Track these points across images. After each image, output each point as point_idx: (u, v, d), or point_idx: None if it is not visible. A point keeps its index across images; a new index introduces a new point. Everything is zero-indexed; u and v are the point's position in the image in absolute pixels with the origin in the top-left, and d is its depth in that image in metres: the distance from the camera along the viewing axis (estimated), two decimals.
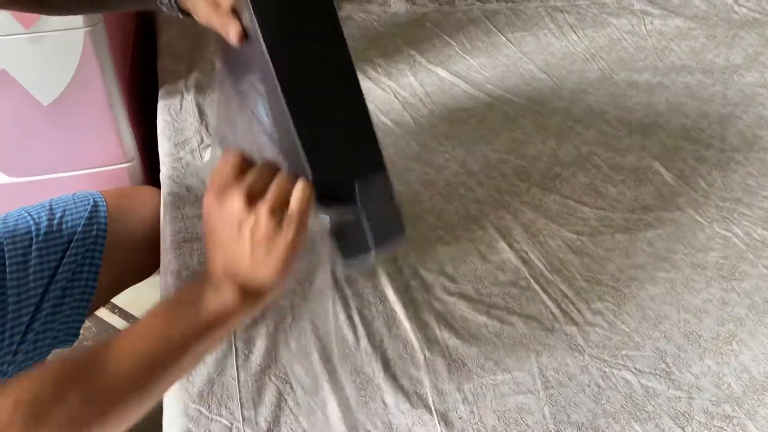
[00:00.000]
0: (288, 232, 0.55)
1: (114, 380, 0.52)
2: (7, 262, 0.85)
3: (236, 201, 0.55)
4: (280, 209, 0.55)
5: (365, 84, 1.19)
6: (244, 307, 0.57)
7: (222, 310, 0.56)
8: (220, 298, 0.56)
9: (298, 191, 0.56)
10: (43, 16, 0.89)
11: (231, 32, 0.64)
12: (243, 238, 0.55)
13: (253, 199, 0.55)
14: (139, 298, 1.36)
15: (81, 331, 0.92)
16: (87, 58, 0.96)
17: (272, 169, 0.58)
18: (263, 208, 0.55)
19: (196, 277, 0.58)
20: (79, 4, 0.79)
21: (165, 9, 0.74)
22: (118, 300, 1.08)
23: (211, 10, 0.66)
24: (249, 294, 0.57)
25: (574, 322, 0.84)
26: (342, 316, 0.81)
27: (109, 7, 0.83)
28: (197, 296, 0.56)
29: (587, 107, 1.21)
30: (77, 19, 0.94)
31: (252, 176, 0.56)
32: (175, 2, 0.72)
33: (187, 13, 0.72)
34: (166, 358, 0.54)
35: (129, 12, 1.28)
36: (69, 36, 0.94)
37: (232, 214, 0.55)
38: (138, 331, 0.55)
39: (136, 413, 0.55)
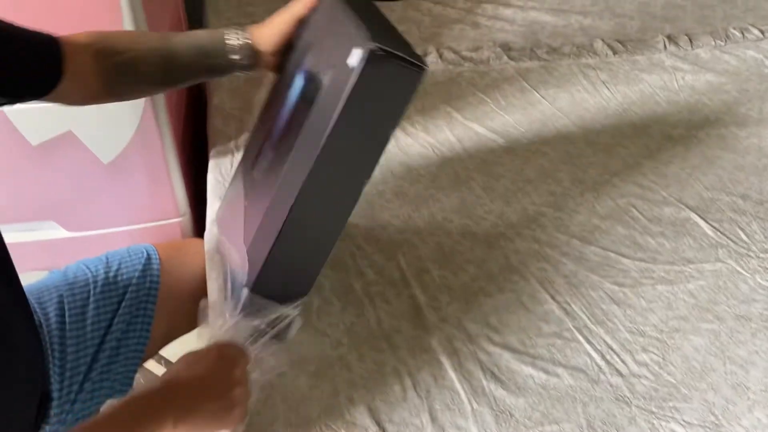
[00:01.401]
0: (237, 416, 0.68)
1: None
2: (67, 314, 0.89)
3: (240, 373, 0.70)
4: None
5: (405, 140, 1.24)
6: None
7: None
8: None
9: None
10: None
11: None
12: (217, 399, 0.67)
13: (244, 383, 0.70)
14: (186, 348, 1.38)
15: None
16: (146, 119, 1.02)
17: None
18: (241, 393, 0.69)
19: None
20: (151, 84, 0.84)
21: (237, 56, 0.83)
22: (165, 351, 1.11)
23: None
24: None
25: (620, 374, 0.84)
26: (387, 368, 0.83)
27: (180, 82, 0.89)
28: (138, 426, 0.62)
29: (623, 161, 1.24)
30: None
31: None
32: (243, 40, 0.82)
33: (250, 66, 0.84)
34: None
35: None
36: None
37: (230, 376, 0.69)
38: None
39: None
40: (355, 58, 0.60)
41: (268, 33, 0.83)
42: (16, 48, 0.70)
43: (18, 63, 0.70)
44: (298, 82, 0.77)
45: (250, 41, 0.83)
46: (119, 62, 0.79)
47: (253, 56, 0.83)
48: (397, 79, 0.63)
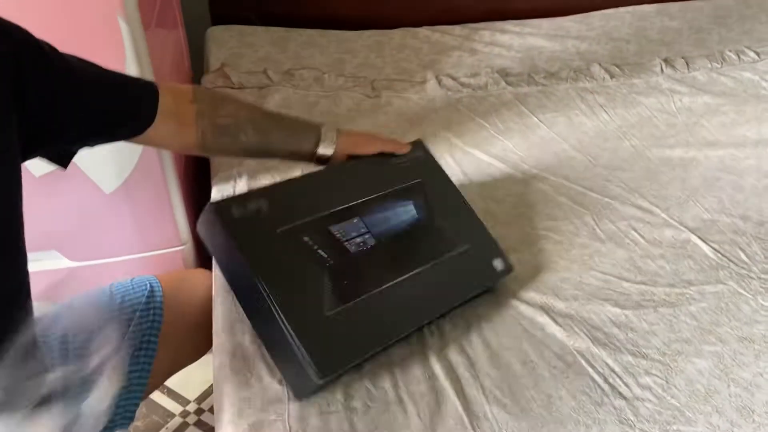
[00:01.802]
0: None
1: None
2: (70, 348, 0.89)
3: None
4: None
5: None
6: None
7: None
8: None
9: None
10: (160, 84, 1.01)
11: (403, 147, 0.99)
12: None
13: None
14: (189, 378, 1.39)
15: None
16: (148, 149, 1.03)
17: None
18: None
19: None
20: (242, 150, 0.93)
21: (317, 146, 0.93)
22: (169, 380, 1.11)
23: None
24: None
25: (623, 397, 0.84)
26: (391, 394, 0.83)
27: (266, 158, 1.01)
28: None
29: (622, 183, 1.24)
30: None
31: None
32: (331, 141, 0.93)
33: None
34: None
35: None
36: None
37: None
38: None
39: None
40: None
41: (350, 150, 0.95)
42: (117, 88, 0.77)
43: (117, 103, 0.77)
44: (410, 211, 0.94)
45: (335, 153, 0.94)
46: (221, 125, 0.86)
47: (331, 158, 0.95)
48: None
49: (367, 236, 0.88)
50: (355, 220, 0.87)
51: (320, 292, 0.79)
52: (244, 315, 0.92)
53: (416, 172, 0.99)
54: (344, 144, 0.94)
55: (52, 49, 0.70)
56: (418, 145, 1.03)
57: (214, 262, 1.02)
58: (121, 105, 0.77)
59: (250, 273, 0.75)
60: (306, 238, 0.82)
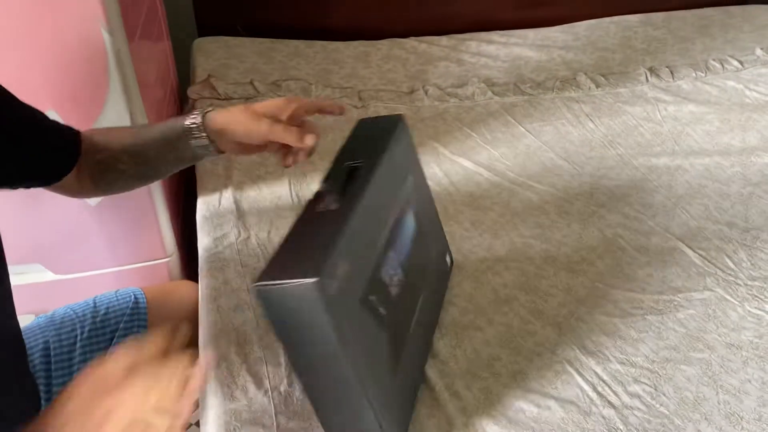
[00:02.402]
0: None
1: None
2: (52, 359, 0.88)
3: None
4: None
5: None
6: None
7: None
8: None
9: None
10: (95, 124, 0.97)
11: (307, 139, 0.76)
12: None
13: None
14: None
15: None
16: None
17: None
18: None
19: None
20: (129, 179, 0.86)
21: (200, 152, 0.80)
22: None
23: (235, 149, 0.80)
24: None
25: (612, 405, 0.83)
26: None
27: (158, 174, 0.90)
28: None
29: (609, 191, 1.25)
30: None
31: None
32: (204, 131, 0.78)
33: (220, 151, 0.81)
34: None
35: (169, 115, 1.37)
36: None
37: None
38: None
39: None
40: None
41: (225, 124, 0.78)
42: (42, 133, 0.75)
43: (40, 149, 0.74)
44: (411, 222, 0.84)
45: (214, 139, 0.79)
46: (100, 160, 0.82)
47: (213, 139, 0.79)
48: None
49: (398, 270, 0.78)
50: (390, 255, 0.77)
51: (385, 356, 0.72)
52: (228, 326, 0.92)
53: (399, 163, 0.86)
54: (216, 116, 0.79)
55: None
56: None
57: (201, 273, 1.02)
58: (42, 151, 0.75)
59: (340, 353, 0.65)
60: (372, 297, 0.70)
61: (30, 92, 0.81)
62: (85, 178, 0.82)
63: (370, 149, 0.81)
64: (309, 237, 0.65)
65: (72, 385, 0.56)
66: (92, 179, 0.83)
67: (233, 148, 0.80)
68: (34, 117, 0.75)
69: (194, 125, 0.78)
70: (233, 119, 0.78)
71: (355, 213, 0.68)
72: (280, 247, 0.65)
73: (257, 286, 0.59)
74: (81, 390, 0.55)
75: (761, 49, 1.78)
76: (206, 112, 0.79)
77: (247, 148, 0.80)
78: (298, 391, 0.81)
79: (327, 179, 0.77)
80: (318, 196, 0.73)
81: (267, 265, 0.61)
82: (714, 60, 1.73)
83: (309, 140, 0.76)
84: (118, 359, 0.56)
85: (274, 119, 0.77)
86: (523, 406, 0.82)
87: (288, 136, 0.76)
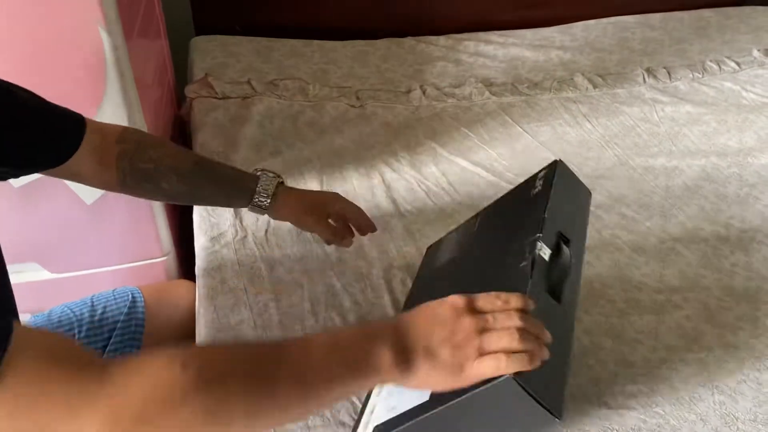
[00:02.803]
0: (482, 369, 0.56)
1: (277, 386, 0.53)
2: None
3: (480, 321, 0.58)
4: (486, 347, 0.57)
5: (391, 175, 1.25)
6: (390, 376, 0.58)
7: (382, 368, 0.57)
8: (379, 357, 0.57)
9: (524, 359, 0.56)
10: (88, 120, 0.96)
11: (345, 243, 0.99)
12: (448, 335, 0.57)
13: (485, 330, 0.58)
14: None
15: None
16: None
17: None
18: (488, 340, 0.57)
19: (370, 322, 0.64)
20: (165, 196, 0.94)
21: (256, 198, 0.92)
22: None
23: (314, 217, 0.96)
24: (405, 366, 0.57)
25: (608, 406, 0.83)
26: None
27: (194, 204, 1.06)
28: (365, 342, 0.57)
29: (606, 192, 1.25)
30: None
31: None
32: (268, 197, 0.92)
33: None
34: (321, 386, 0.56)
35: (166, 114, 1.36)
36: None
37: (454, 310, 0.59)
38: (316, 345, 0.57)
39: (278, 420, 0.59)
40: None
41: (287, 215, 0.96)
42: (41, 117, 0.74)
43: (39, 132, 0.74)
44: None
45: (272, 207, 0.93)
46: (141, 169, 0.83)
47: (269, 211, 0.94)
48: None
49: None
50: None
51: None
52: (225, 325, 0.92)
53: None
54: (282, 210, 0.94)
55: None
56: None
57: (197, 271, 1.01)
58: (43, 134, 0.75)
59: None
60: None
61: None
62: (113, 176, 0.83)
63: (575, 223, 0.79)
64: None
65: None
66: (123, 179, 0.83)
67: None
68: (35, 101, 0.75)
69: (261, 205, 0.92)
70: (296, 216, 0.96)
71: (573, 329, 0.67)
72: None
73: (518, 380, 0.56)
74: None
75: (758, 50, 1.78)
76: (274, 194, 0.92)
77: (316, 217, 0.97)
78: None
79: (543, 236, 0.70)
80: (539, 262, 0.68)
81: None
82: (711, 61, 1.73)
83: (347, 243, 1.01)
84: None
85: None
86: None
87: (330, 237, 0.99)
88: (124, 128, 0.85)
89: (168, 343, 0.98)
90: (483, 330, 0.57)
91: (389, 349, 0.57)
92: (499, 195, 1.22)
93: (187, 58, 1.66)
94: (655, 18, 1.95)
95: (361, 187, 1.21)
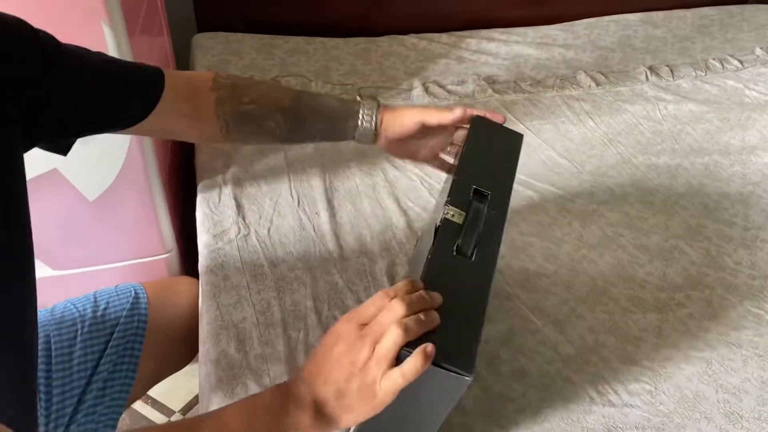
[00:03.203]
0: (387, 390, 0.55)
1: None
2: (53, 354, 0.88)
3: (363, 341, 0.56)
4: (393, 361, 0.55)
5: (393, 173, 1.25)
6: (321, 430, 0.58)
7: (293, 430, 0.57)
8: (297, 417, 0.57)
9: (418, 361, 0.55)
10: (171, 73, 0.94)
11: (457, 111, 0.82)
12: (345, 370, 0.56)
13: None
14: (173, 388, 1.37)
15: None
16: (132, 156, 1.02)
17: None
18: (381, 361, 0.55)
19: (278, 385, 0.60)
20: (271, 137, 0.85)
21: (360, 126, 0.84)
22: (152, 390, 1.09)
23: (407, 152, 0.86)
24: (321, 419, 0.57)
25: (612, 404, 0.83)
26: None
27: (300, 142, 1.00)
28: (280, 409, 0.57)
29: (609, 190, 1.25)
30: None
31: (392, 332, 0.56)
32: (374, 121, 0.83)
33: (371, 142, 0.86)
34: None
35: None
36: (117, 135, 1.01)
37: (352, 347, 0.56)
38: (232, 427, 0.56)
39: None
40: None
41: (398, 127, 0.84)
42: (117, 75, 0.71)
43: (117, 90, 0.71)
44: None
45: (379, 128, 0.84)
46: (243, 112, 0.80)
47: (376, 137, 0.85)
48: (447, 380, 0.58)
49: None
50: None
51: None
52: (228, 323, 0.91)
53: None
54: (388, 122, 0.84)
55: (49, 39, 0.68)
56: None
57: (200, 269, 1.01)
58: (121, 92, 0.72)
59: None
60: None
61: None
62: (214, 126, 0.80)
63: (496, 174, 0.76)
64: (457, 304, 0.60)
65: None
66: (225, 128, 0.80)
67: (388, 147, 0.86)
68: (108, 59, 0.73)
69: (368, 127, 0.83)
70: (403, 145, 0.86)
71: (490, 283, 0.65)
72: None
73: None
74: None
75: (761, 48, 1.78)
76: (379, 111, 0.83)
77: (410, 148, 0.87)
78: None
79: (451, 199, 0.70)
80: (447, 226, 0.67)
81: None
82: (714, 59, 1.73)
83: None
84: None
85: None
86: (524, 405, 0.82)
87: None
88: (216, 74, 0.81)
89: (170, 340, 0.98)
90: (375, 341, 0.56)
91: (304, 411, 0.57)
92: None
93: (189, 55, 1.65)
94: (658, 16, 1.95)
95: (363, 185, 1.21)
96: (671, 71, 1.66)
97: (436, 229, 0.66)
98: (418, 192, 1.21)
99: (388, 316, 0.56)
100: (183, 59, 1.65)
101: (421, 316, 0.56)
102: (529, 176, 1.27)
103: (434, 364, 0.55)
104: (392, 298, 0.58)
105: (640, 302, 1.00)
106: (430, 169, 1.27)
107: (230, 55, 1.60)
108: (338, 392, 0.57)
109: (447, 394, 0.60)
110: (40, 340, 0.87)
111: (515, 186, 1.22)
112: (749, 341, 0.94)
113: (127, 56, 0.96)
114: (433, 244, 0.65)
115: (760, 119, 1.49)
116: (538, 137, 1.40)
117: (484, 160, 0.77)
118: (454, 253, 0.64)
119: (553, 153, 1.35)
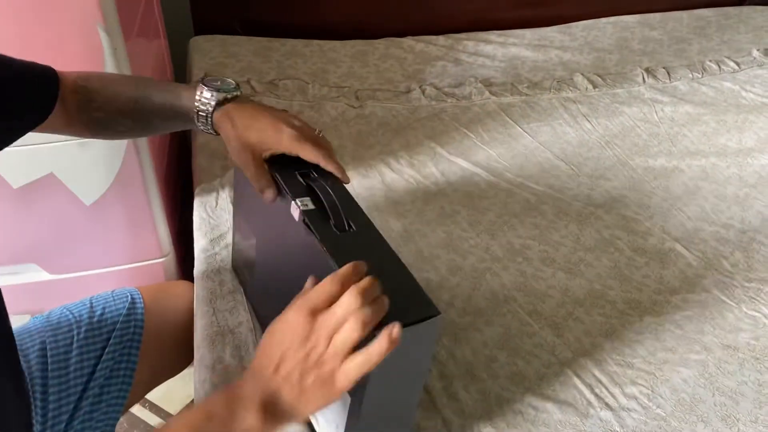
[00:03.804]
0: (337, 386, 0.55)
1: None
2: (49, 360, 0.88)
3: (314, 337, 0.55)
4: (343, 356, 0.55)
5: (390, 176, 1.25)
6: (274, 428, 0.57)
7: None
8: (244, 422, 0.56)
9: (366, 359, 0.55)
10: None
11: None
12: (296, 368, 0.56)
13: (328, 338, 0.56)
14: (170, 392, 1.37)
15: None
16: (129, 160, 1.02)
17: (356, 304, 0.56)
18: (329, 354, 0.55)
19: (226, 387, 0.59)
20: (129, 135, 0.86)
21: (202, 128, 0.79)
22: (150, 394, 1.09)
23: (245, 156, 0.73)
24: (272, 418, 0.57)
25: (609, 407, 0.83)
26: None
27: (153, 131, 0.88)
28: (229, 415, 0.56)
29: (606, 192, 1.25)
30: None
31: (337, 314, 0.56)
32: (211, 125, 0.77)
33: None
34: None
35: None
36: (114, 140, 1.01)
37: (297, 339, 0.56)
38: None
39: None
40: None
41: (236, 147, 0.74)
42: (16, 75, 0.71)
43: (17, 90, 0.71)
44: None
45: (210, 116, 0.77)
46: (95, 118, 0.80)
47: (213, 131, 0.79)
48: (420, 333, 0.60)
49: None
50: None
51: None
52: (224, 328, 0.91)
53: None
54: (231, 109, 0.75)
55: None
56: None
57: (196, 273, 1.01)
58: (22, 97, 0.71)
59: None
60: None
61: None
62: (79, 127, 0.80)
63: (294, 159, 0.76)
64: (381, 269, 0.61)
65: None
66: (89, 130, 0.81)
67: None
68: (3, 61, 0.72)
69: (203, 114, 0.76)
70: (249, 124, 0.74)
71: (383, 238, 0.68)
72: None
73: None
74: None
75: (757, 50, 1.78)
76: (218, 104, 0.75)
77: (250, 156, 0.74)
78: None
79: (292, 193, 0.71)
80: (311, 217, 0.68)
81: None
82: (710, 61, 1.73)
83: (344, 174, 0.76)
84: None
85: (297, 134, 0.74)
86: (521, 408, 0.82)
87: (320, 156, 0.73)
88: (77, 75, 0.79)
89: (167, 345, 0.98)
90: (330, 335, 0.55)
91: (254, 414, 0.56)
92: (499, 195, 1.23)
93: (186, 58, 1.65)
94: (655, 18, 1.95)
95: (360, 188, 1.21)
96: (668, 73, 1.66)
97: (306, 225, 0.66)
98: (415, 195, 1.21)
99: (343, 309, 0.55)
100: (180, 62, 1.65)
101: (375, 305, 0.56)
102: (526, 178, 1.27)
103: (405, 325, 0.55)
104: (342, 284, 0.57)
105: (637, 305, 1.00)
106: (426, 172, 1.28)
107: (227, 57, 1.60)
108: (292, 386, 0.56)
109: (425, 345, 0.62)
110: (36, 347, 0.87)
111: (512, 188, 1.23)
112: (746, 344, 0.94)
113: (124, 60, 0.96)
114: (316, 237, 0.65)
115: (756, 121, 1.50)
116: (535, 139, 1.40)
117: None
118: (337, 233, 0.66)
119: (550, 155, 1.35)
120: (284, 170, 0.73)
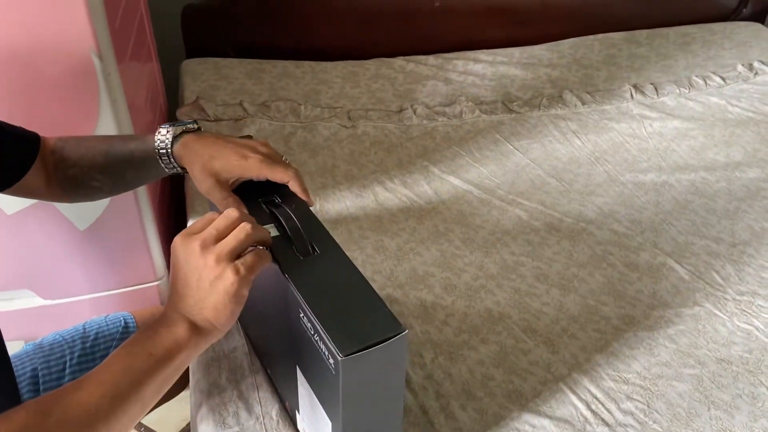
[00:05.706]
0: (227, 279, 0.59)
1: (84, 407, 0.55)
2: (41, 387, 0.87)
3: (194, 246, 0.60)
4: (229, 257, 0.60)
5: (384, 195, 1.25)
6: (192, 342, 0.61)
7: (173, 344, 0.60)
8: (171, 334, 0.60)
9: (255, 254, 0.62)
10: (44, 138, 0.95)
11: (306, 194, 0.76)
12: (191, 279, 0.61)
13: (209, 246, 0.61)
14: (166, 415, 1.36)
15: None
16: None
17: (237, 222, 0.62)
18: (210, 256, 0.60)
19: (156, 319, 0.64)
20: (105, 192, 0.87)
21: (167, 169, 0.80)
22: (145, 418, 1.09)
23: (209, 182, 0.74)
24: (197, 330, 0.61)
25: (606, 424, 0.84)
26: None
27: (127, 184, 0.89)
28: (153, 333, 0.60)
29: (597, 208, 1.26)
30: None
31: (215, 227, 0.61)
32: (175, 161, 0.78)
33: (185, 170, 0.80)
34: (127, 389, 0.58)
35: None
36: None
37: (188, 258, 0.61)
38: (103, 366, 0.59)
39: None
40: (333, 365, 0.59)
41: (199, 176, 0.75)
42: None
43: None
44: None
45: (180, 149, 0.78)
46: (72, 175, 0.82)
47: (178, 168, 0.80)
48: (384, 356, 0.61)
49: None
50: None
51: None
52: (219, 353, 0.91)
53: None
54: (190, 141, 0.77)
55: None
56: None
57: None
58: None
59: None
60: None
61: (20, 117, 0.81)
62: (56, 189, 0.82)
63: (261, 186, 0.77)
64: (349, 291, 0.64)
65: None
66: (64, 191, 0.83)
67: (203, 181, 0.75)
68: None
69: (163, 151, 0.78)
70: (213, 154, 0.75)
71: (348, 258, 0.68)
72: (316, 310, 0.61)
73: (347, 358, 0.57)
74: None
75: (742, 65, 1.81)
76: (177, 136, 0.77)
77: (214, 180, 0.74)
78: (289, 417, 0.81)
79: (258, 221, 0.69)
80: (275, 244, 0.68)
81: (330, 333, 0.59)
82: (697, 76, 1.75)
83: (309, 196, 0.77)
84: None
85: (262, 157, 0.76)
86: (518, 426, 0.82)
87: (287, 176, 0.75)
88: (58, 138, 0.83)
89: None
90: (215, 242, 0.60)
91: (177, 326, 0.60)
92: (491, 212, 1.24)
93: (178, 81, 1.66)
94: (641, 34, 1.98)
95: (354, 207, 1.22)
96: (655, 89, 1.68)
97: (270, 250, 0.67)
98: (408, 213, 1.22)
99: (230, 226, 0.61)
100: (172, 85, 1.66)
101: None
102: (518, 195, 1.28)
103: (370, 346, 0.58)
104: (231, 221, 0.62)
105: (630, 320, 1.00)
106: (419, 191, 1.28)
107: (220, 80, 1.61)
108: (201, 299, 0.60)
109: (395, 363, 0.63)
110: (27, 374, 0.87)
111: (505, 206, 1.24)
112: (739, 357, 0.95)
113: (117, 85, 0.97)
114: (277, 263, 0.66)
115: (743, 135, 1.52)
116: (526, 156, 1.41)
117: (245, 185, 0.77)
118: (301, 258, 0.67)
119: (541, 172, 1.36)
120: (248, 200, 0.75)
